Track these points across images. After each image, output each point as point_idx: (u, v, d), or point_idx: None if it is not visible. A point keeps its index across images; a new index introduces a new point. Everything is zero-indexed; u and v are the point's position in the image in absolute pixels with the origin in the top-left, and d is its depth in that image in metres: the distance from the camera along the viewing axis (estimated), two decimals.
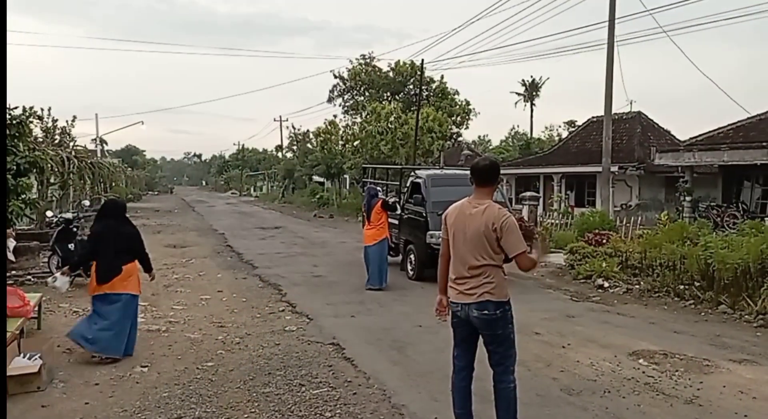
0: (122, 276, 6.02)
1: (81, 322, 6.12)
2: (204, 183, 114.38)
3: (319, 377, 5.54)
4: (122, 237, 6.16)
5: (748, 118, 20.95)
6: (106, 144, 41.79)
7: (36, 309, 6.78)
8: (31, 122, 10.68)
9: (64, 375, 5.49)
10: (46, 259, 11.18)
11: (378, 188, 12.12)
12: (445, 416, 4.53)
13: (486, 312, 3.85)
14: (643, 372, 5.77)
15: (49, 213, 11.36)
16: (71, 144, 22.62)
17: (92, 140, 40.27)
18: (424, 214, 10.83)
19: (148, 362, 5.95)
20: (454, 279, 4.03)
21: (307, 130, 48.43)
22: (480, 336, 4.02)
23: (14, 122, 9.76)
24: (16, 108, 9.93)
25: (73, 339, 5.88)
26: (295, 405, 4.85)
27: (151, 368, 5.78)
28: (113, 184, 32.35)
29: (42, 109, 19.74)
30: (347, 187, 39.99)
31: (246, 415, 4.65)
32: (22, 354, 5.30)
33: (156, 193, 71.60)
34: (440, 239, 10.46)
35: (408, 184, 12.16)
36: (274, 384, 5.33)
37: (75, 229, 10.24)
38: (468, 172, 4.21)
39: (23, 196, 9.88)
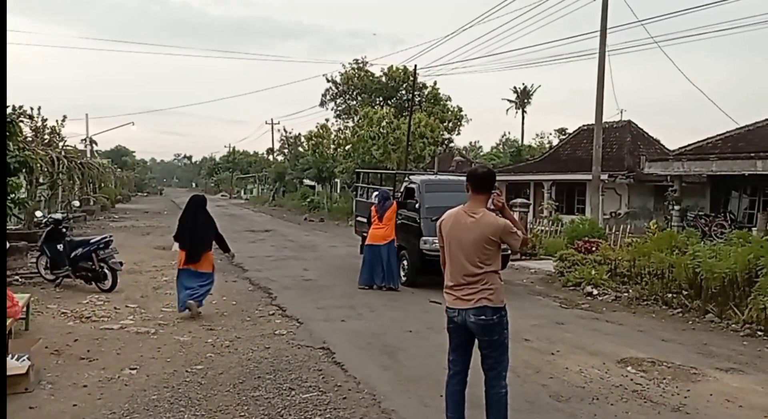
0: (201, 260, 8.18)
1: (180, 295, 8.13)
2: (194, 185, 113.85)
3: (308, 381, 5.53)
4: (201, 224, 8.29)
5: (737, 129, 21.20)
6: (96, 144, 41.57)
7: (24, 309, 6.73)
8: (22, 121, 10.61)
9: (52, 377, 5.46)
10: (34, 260, 11.10)
11: (389, 191, 12.15)
12: None
13: (483, 317, 3.89)
14: (631, 380, 5.81)
15: (38, 214, 11.26)
16: (60, 144, 22.48)
17: (82, 140, 40.02)
18: (418, 220, 10.84)
19: (137, 364, 5.92)
20: (450, 287, 4.05)
21: (299, 134, 48.42)
22: (475, 342, 4.05)
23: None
24: (20, 107, 9.89)
25: (181, 307, 8.04)
26: (285, 409, 4.85)
27: (140, 370, 5.75)
28: (102, 185, 32.21)
29: (32, 108, 19.69)
30: (338, 191, 39.96)
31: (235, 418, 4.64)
32: (10, 355, 5.25)
33: (145, 194, 71.24)
34: (434, 245, 10.51)
35: (402, 190, 12.18)
36: (264, 388, 5.32)
37: (64, 230, 10.18)
38: (462, 178, 4.26)
39: (12, 196, 9.80)
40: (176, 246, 8.44)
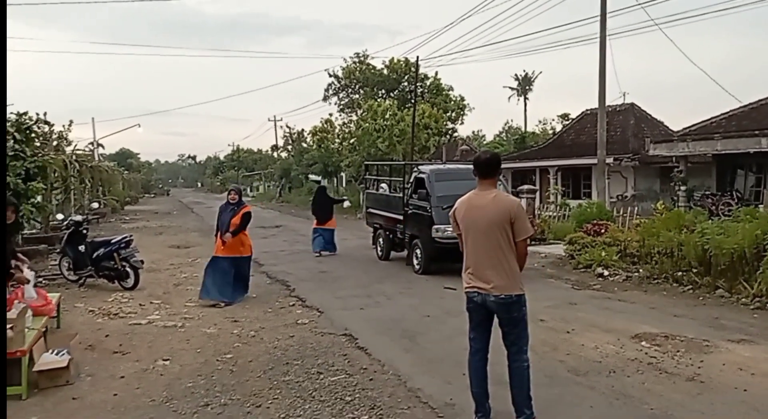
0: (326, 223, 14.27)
1: (314, 243, 14.33)
2: (200, 184, 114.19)
3: (335, 365, 5.76)
4: (324, 202, 14.56)
5: (741, 107, 21.24)
6: (103, 147, 41.87)
7: (55, 308, 6.96)
8: (38, 127, 10.84)
9: (90, 370, 5.69)
10: (54, 262, 11.35)
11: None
12: (460, 398, 4.77)
13: (503, 296, 4.07)
14: (646, 354, 6.01)
15: (59, 216, 11.52)
16: (68, 149, 22.68)
17: (89, 144, 40.24)
18: (429, 209, 11.02)
19: (169, 355, 6.15)
20: (470, 269, 4.21)
21: (302, 129, 48.64)
22: (494, 320, 4.24)
23: (22, 127, 9.93)
24: (25, 113, 10.10)
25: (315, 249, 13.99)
26: (315, 391, 5.07)
27: (172, 361, 5.98)
28: (110, 188, 32.47)
29: (37, 114, 19.72)
30: (344, 185, 40.17)
31: (270, 401, 4.86)
32: (49, 351, 5.50)
33: (152, 195, 71.58)
34: (446, 233, 10.63)
35: (411, 180, 12.36)
36: (293, 373, 5.54)
37: (85, 231, 10.41)
38: (470, 166, 4.43)
39: (33, 200, 10.03)
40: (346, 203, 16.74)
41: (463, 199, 4.33)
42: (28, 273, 6.16)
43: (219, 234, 9.11)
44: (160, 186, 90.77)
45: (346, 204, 12.20)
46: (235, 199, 9.18)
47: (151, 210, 37.72)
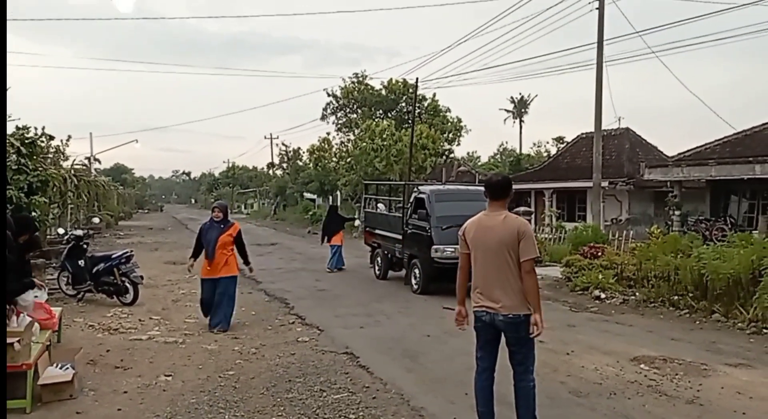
0: (332, 239, 15.00)
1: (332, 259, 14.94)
2: (193, 201, 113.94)
3: (338, 383, 5.78)
4: (333, 220, 15.44)
5: (735, 134, 21.57)
6: (100, 162, 41.81)
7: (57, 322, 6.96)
8: (42, 142, 10.91)
9: (92, 384, 5.70)
10: (51, 276, 11.31)
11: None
12: (464, 418, 4.81)
13: (511, 316, 4.14)
14: (645, 376, 6.07)
15: (60, 231, 11.53)
16: (65, 163, 22.71)
17: (86, 158, 40.24)
18: (429, 229, 11.08)
19: (171, 371, 6.16)
20: (479, 289, 4.28)
21: (298, 148, 48.81)
22: (502, 339, 4.30)
23: (26, 141, 9.99)
24: (26, 127, 10.16)
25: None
26: (319, 408, 5.10)
27: (174, 377, 5.99)
28: (105, 203, 32.43)
29: (36, 128, 19.76)
30: (340, 204, 40.21)
31: (274, 418, 4.89)
32: (54, 364, 5.51)
33: (146, 211, 71.48)
34: (445, 253, 10.70)
35: (411, 200, 12.44)
36: (296, 390, 5.57)
37: (85, 246, 10.42)
38: (470, 187, 4.53)
39: (35, 214, 10.05)
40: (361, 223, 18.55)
41: (473, 219, 4.43)
42: (39, 292, 6.17)
43: (206, 254, 8.35)
44: (154, 202, 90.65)
45: (357, 222, 12.85)
46: (219, 217, 8.58)
47: (146, 226, 37.62)
